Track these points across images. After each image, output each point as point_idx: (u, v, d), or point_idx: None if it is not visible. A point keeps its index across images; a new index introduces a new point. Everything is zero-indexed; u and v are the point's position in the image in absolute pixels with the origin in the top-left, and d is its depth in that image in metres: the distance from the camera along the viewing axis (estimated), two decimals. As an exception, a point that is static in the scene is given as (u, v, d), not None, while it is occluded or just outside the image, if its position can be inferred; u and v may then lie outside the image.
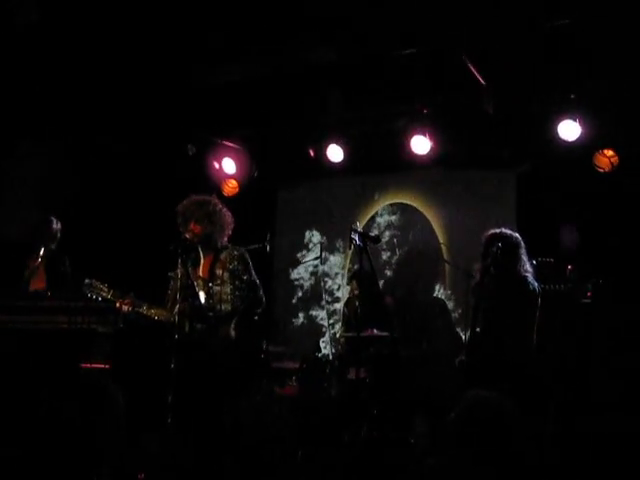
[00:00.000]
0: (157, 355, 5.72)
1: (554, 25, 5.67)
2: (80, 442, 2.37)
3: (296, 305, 8.81)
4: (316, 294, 8.59)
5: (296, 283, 8.84)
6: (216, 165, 8.42)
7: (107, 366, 6.07)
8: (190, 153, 8.12)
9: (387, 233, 8.31)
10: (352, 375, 6.35)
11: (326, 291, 8.40)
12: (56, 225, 6.50)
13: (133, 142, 8.08)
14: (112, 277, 5.92)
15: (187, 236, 5.26)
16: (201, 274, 5.32)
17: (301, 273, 8.81)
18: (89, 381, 2.52)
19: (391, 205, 8.41)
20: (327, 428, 6.36)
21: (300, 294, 8.79)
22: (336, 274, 8.65)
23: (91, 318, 5.73)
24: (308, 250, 8.78)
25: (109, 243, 6.84)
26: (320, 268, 8.50)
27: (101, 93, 7.36)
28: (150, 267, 6.19)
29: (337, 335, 7.83)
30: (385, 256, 8.25)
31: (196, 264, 5.34)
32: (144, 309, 5.20)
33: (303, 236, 8.86)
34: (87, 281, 5.27)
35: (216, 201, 5.43)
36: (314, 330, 8.36)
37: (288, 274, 8.81)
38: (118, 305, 5.19)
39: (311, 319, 8.65)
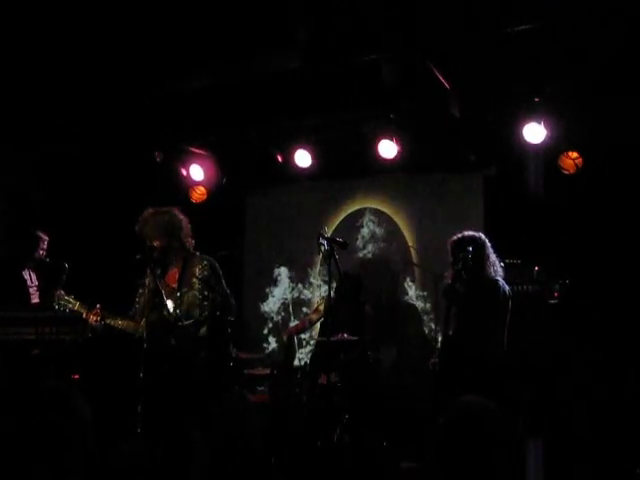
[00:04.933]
0: (126, 364, 5.70)
1: (518, 30, 5.73)
2: (47, 454, 2.33)
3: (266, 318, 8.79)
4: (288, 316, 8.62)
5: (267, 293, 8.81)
6: (184, 172, 8.38)
7: (75, 376, 6.05)
8: (157, 160, 8.08)
9: (358, 237, 8.31)
10: (323, 380, 6.34)
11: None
12: (44, 238, 6.54)
13: (100, 150, 8.02)
14: (80, 286, 5.88)
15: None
16: (170, 283, 5.32)
17: (278, 288, 8.78)
18: (56, 392, 2.48)
19: (359, 210, 8.42)
20: (299, 434, 6.35)
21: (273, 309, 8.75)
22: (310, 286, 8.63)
23: (59, 328, 5.70)
24: (278, 257, 8.76)
25: (76, 252, 6.76)
26: (290, 296, 8.55)
27: (67, 101, 7.29)
28: (119, 276, 6.15)
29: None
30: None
31: (165, 273, 5.35)
32: (112, 321, 5.21)
33: (272, 242, 8.84)
34: (60, 297, 5.28)
35: (172, 211, 5.43)
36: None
37: (259, 280, 8.78)
38: (85, 317, 5.21)
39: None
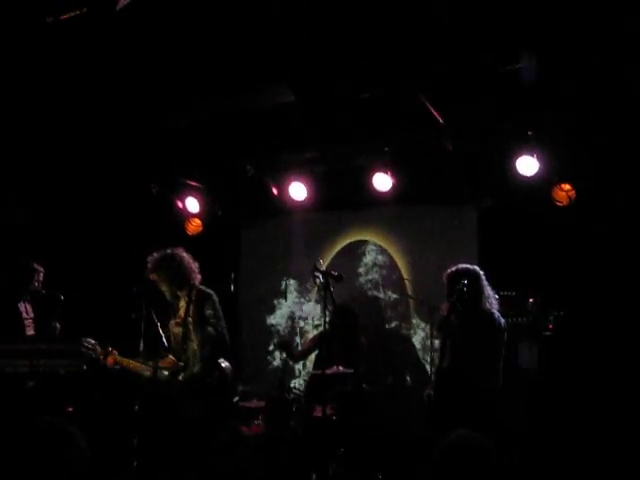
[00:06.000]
0: (122, 398, 5.72)
1: (510, 69, 5.83)
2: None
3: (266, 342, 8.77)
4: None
5: (271, 327, 8.82)
6: (180, 204, 8.42)
7: (70, 409, 6.03)
8: (153, 192, 8.12)
9: (361, 264, 8.36)
10: (318, 413, 6.32)
11: (301, 334, 8.45)
12: (40, 270, 6.53)
13: (96, 182, 8.05)
14: (77, 319, 5.89)
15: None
16: (179, 319, 5.60)
17: (276, 318, 8.79)
18: (51, 425, 2.48)
19: (357, 241, 8.46)
20: (295, 467, 6.31)
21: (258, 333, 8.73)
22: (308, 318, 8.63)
23: (54, 361, 5.71)
24: (272, 287, 8.78)
25: (73, 285, 6.76)
26: (297, 312, 8.57)
27: (63, 133, 7.34)
28: (114, 309, 6.18)
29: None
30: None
31: (176, 310, 5.65)
32: (125, 363, 5.49)
33: (267, 274, 8.86)
34: (84, 341, 5.57)
35: (176, 253, 5.69)
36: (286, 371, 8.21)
37: (256, 313, 8.79)
38: (103, 361, 5.52)
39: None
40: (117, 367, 5.49)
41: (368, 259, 8.35)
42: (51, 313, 6.27)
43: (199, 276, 5.73)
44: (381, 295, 8.04)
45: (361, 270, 8.34)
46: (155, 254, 5.67)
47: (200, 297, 5.58)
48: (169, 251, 5.69)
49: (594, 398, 6.17)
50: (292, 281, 8.69)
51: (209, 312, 5.48)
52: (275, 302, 8.77)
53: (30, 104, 6.85)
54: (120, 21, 5.68)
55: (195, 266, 5.73)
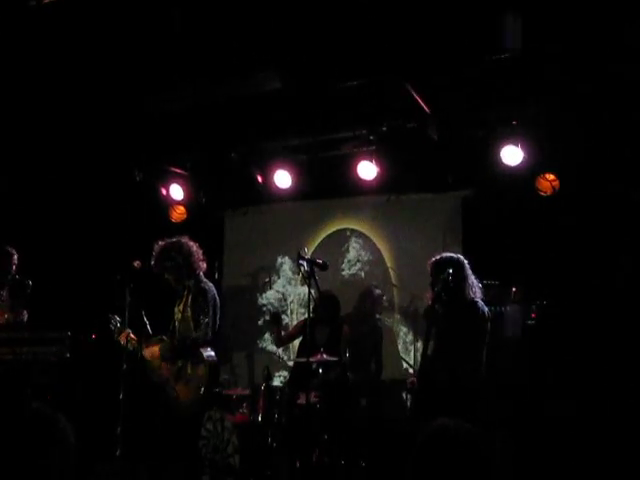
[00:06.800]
0: (106, 386, 5.71)
1: (496, 58, 5.82)
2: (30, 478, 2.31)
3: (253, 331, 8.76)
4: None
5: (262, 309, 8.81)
6: (164, 191, 8.38)
7: (54, 396, 6.00)
8: (137, 179, 8.07)
9: (344, 260, 8.36)
10: (302, 400, 6.34)
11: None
12: (14, 253, 6.44)
13: (80, 169, 7.99)
14: (56, 308, 5.84)
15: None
16: (181, 308, 5.71)
17: (263, 300, 8.78)
18: (37, 413, 2.46)
19: (340, 230, 8.46)
20: (278, 454, 6.33)
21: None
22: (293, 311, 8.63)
23: (36, 348, 5.67)
24: (255, 276, 8.77)
25: (55, 273, 6.72)
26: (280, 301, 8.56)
27: (46, 119, 7.28)
28: (100, 297, 6.16)
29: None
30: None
31: (180, 299, 5.74)
32: (134, 343, 5.62)
33: (250, 263, 8.85)
34: (114, 317, 5.80)
35: (182, 242, 5.74)
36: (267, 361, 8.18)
37: (237, 301, 8.77)
38: (116, 337, 5.73)
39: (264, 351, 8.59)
40: (129, 346, 5.60)
41: (352, 247, 8.35)
42: (22, 299, 6.22)
43: (205, 265, 5.79)
44: (365, 283, 8.04)
45: (345, 258, 8.35)
46: (162, 242, 5.71)
47: (198, 290, 5.63)
48: (176, 240, 5.72)
49: (578, 385, 6.22)
50: (275, 270, 8.68)
51: (202, 305, 5.54)
52: (257, 292, 8.76)
53: (13, 87, 6.79)
54: (103, 4, 5.65)
55: (201, 254, 5.78)
